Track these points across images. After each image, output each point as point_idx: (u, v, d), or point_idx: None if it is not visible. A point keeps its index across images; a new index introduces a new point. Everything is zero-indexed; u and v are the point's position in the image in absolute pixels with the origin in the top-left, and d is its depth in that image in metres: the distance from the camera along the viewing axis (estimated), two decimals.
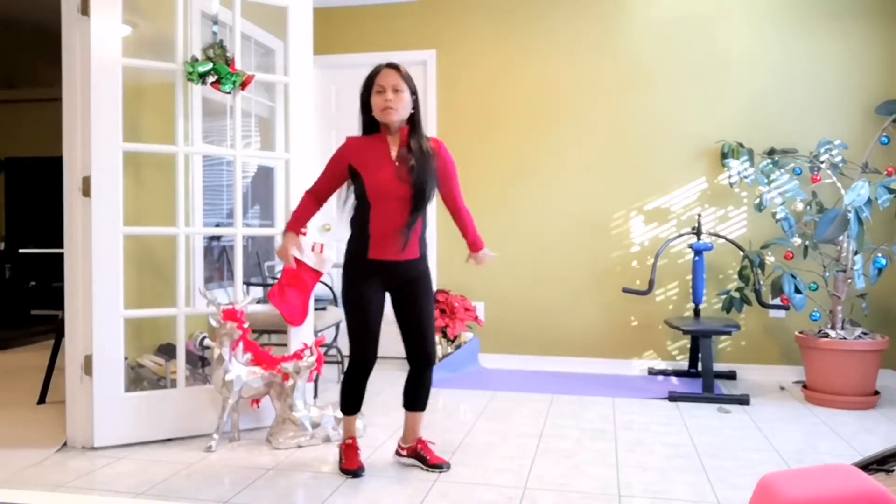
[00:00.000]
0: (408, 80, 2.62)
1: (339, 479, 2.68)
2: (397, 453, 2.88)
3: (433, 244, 4.94)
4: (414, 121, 2.67)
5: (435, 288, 4.90)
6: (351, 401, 2.77)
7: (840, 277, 3.91)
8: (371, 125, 2.69)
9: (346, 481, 2.65)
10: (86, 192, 2.99)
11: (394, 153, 2.64)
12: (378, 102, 2.59)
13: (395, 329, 5.04)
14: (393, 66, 2.62)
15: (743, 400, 3.80)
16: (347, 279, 2.69)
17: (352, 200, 2.72)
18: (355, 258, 2.67)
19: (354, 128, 5.17)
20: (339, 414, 3.19)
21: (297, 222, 2.75)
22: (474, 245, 2.87)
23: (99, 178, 2.98)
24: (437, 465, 2.77)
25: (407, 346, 2.75)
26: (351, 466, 2.74)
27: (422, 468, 2.79)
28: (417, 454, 2.82)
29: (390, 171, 2.59)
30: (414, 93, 2.64)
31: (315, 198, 2.75)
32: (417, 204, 2.62)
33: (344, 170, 2.67)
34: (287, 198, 3.43)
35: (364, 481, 2.66)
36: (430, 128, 4.93)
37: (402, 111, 2.60)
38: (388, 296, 2.75)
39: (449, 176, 2.75)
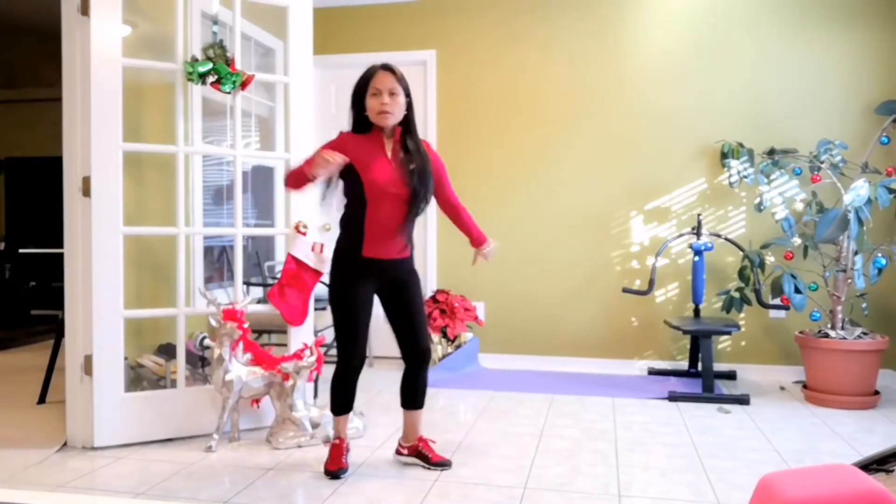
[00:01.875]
0: (402, 82, 2.62)
1: (339, 478, 2.68)
2: (398, 452, 2.88)
3: (433, 244, 4.94)
4: (408, 122, 2.67)
5: (435, 288, 4.91)
6: (341, 401, 2.76)
7: (840, 277, 3.91)
8: (361, 124, 2.67)
9: (346, 481, 2.65)
10: (86, 192, 2.99)
11: (389, 153, 2.65)
12: (374, 105, 2.58)
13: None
14: (388, 69, 2.61)
15: (743, 400, 3.80)
16: (337, 278, 2.67)
17: (339, 198, 2.70)
18: (347, 256, 2.66)
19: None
20: None
21: (308, 164, 2.52)
22: (479, 240, 2.87)
23: (99, 178, 2.98)
24: (440, 464, 2.77)
25: (401, 345, 2.77)
26: (332, 467, 2.71)
27: (424, 467, 2.79)
28: (419, 453, 2.82)
29: (388, 171, 2.60)
30: (408, 95, 2.65)
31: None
32: (416, 205, 2.63)
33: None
34: (287, 198, 3.43)
35: (364, 481, 2.65)
36: (430, 127, 4.94)
37: (397, 114, 2.61)
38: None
39: (440, 176, 2.77)
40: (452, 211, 2.84)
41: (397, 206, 2.61)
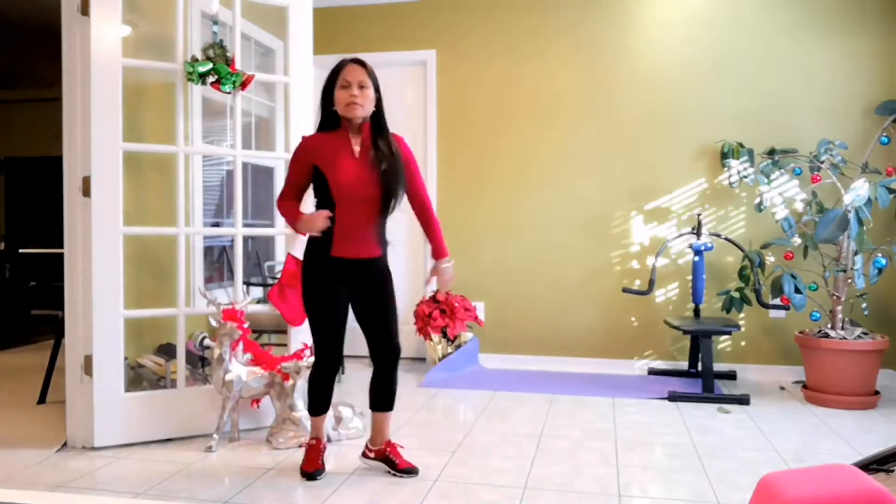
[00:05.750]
0: (373, 76, 2.58)
1: (339, 478, 2.68)
2: (364, 455, 2.79)
3: None
4: (379, 120, 2.63)
5: (434, 288, 4.90)
6: (318, 402, 2.71)
7: (840, 277, 3.91)
8: (329, 120, 2.62)
9: (346, 481, 2.65)
10: (86, 192, 2.99)
11: (356, 150, 2.59)
12: (343, 97, 2.53)
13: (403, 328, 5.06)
14: (359, 62, 2.58)
15: (743, 400, 3.80)
16: (310, 279, 2.61)
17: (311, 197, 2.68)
18: (317, 256, 2.60)
19: None
20: (340, 413, 3.19)
21: (296, 218, 2.59)
22: (440, 251, 2.74)
23: (99, 178, 2.98)
24: (406, 470, 2.69)
25: (371, 344, 2.69)
26: (308, 468, 2.68)
27: (389, 472, 2.72)
28: (386, 458, 2.74)
29: (355, 171, 2.55)
30: (378, 90, 2.61)
31: (292, 201, 2.65)
32: (387, 206, 2.60)
33: (309, 171, 2.59)
34: None
35: (364, 481, 2.65)
36: (430, 127, 4.94)
37: (367, 107, 2.56)
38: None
39: (412, 173, 2.69)
40: (422, 211, 2.74)
41: (367, 206, 2.57)
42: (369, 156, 2.58)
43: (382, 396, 2.72)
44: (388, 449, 2.75)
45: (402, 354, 5.01)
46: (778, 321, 4.48)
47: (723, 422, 3.48)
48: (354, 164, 2.56)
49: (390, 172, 2.57)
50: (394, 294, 2.72)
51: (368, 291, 2.66)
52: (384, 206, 2.59)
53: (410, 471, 2.70)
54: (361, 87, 2.54)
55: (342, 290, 2.63)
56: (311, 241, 2.62)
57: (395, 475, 2.70)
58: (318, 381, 2.69)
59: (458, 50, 4.90)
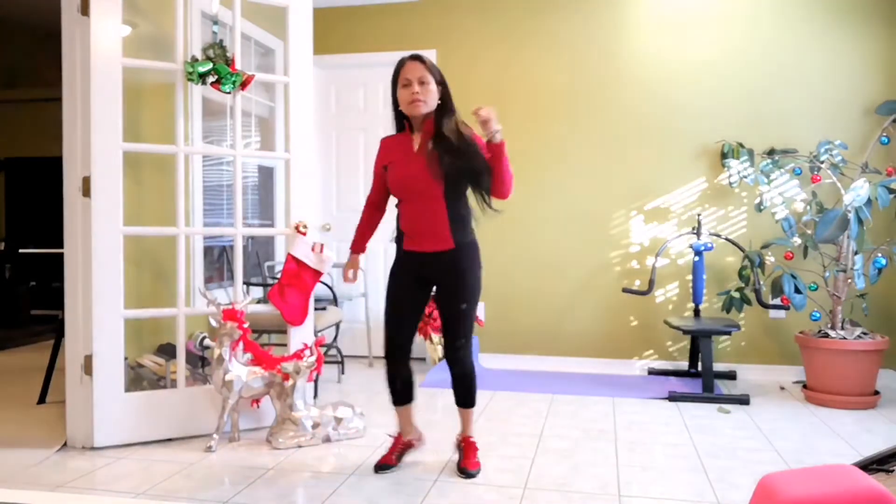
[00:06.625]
0: (433, 70, 2.60)
1: (339, 478, 2.68)
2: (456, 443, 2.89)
3: None
4: (443, 108, 2.63)
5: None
6: (392, 393, 2.80)
7: (840, 277, 3.91)
8: (399, 121, 2.71)
9: (345, 481, 2.65)
10: (86, 192, 2.99)
11: (416, 147, 2.63)
12: (405, 96, 2.57)
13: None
14: (417, 58, 2.61)
15: (743, 400, 3.80)
16: (390, 271, 2.75)
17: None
18: (397, 250, 2.73)
19: (354, 127, 5.19)
20: (339, 414, 3.19)
21: (362, 238, 2.76)
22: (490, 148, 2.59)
23: (99, 178, 2.98)
24: (461, 469, 2.72)
25: (443, 339, 2.76)
26: (380, 461, 2.78)
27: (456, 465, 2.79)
28: (459, 450, 2.82)
29: (409, 168, 2.59)
30: (441, 83, 2.63)
31: (372, 206, 2.78)
32: (455, 190, 2.59)
33: (383, 171, 2.71)
34: (287, 198, 3.43)
35: (364, 481, 2.65)
36: None
37: (430, 102, 2.59)
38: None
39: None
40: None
41: (429, 200, 2.57)
42: (428, 150, 2.58)
43: (457, 393, 2.76)
44: (464, 444, 2.82)
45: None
46: (778, 321, 4.48)
47: (723, 422, 3.48)
48: (410, 162, 2.61)
49: (451, 162, 2.54)
50: (469, 288, 2.63)
51: (443, 286, 2.69)
52: (451, 197, 2.59)
53: (465, 471, 2.71)
54: (422, 82, 2.57)
55: (412, 285, 2.67)
56: (396, 234, 2.75)
57: (456, 472, 2.74)
58: (387, 374, 2.76)
59: (458, 49, 4.90)
